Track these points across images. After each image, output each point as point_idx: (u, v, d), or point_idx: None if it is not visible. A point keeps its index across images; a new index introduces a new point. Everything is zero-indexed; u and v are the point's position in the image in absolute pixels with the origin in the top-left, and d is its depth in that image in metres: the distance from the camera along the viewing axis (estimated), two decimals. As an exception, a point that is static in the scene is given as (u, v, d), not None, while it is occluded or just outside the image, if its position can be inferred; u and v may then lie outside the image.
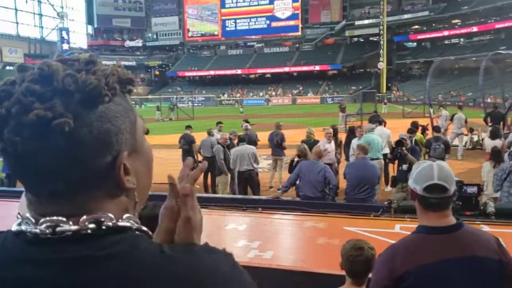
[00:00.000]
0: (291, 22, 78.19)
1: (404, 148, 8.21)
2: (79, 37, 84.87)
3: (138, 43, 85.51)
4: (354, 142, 9.65)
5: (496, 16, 61.17)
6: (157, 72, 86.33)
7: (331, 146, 10.15)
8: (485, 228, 4.78)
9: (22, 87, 0.72)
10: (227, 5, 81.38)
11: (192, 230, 0.88)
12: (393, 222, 4.97)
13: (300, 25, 77.90)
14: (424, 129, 13.33)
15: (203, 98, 66.55)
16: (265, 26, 79.74)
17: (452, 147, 12.59)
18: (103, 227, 0.75)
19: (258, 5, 79.65)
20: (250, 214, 5.27)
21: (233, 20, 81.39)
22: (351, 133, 11.84)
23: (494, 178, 7.01)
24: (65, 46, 73.98)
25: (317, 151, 7.67)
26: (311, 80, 71.66)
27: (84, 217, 0.75)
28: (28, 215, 0.77)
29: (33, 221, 0.75)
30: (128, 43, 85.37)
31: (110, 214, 0.77)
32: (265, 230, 4.70)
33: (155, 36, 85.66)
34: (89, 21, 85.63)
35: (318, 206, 5.59)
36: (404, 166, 8.35)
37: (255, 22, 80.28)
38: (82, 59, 0.78)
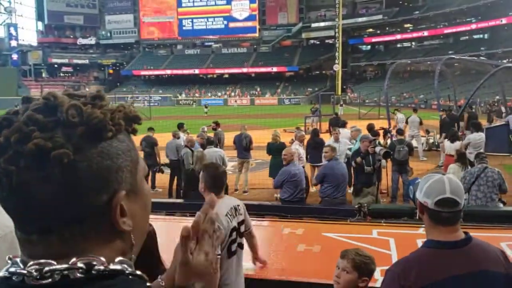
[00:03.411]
0: (249, 23, 78.40)
1: (375, 148, 8.27)
2: (29, 33, 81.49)
3: (91, 40, 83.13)
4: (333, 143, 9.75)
5: (445, 21, 63.95)
6: (111, 71, 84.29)
7: (301, 149, 10.19)
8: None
9: (24, 116, 0.70)
10: (183, 4, 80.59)
11: (191, 274, 0.83)
12: (370, 227, 4.99)
13: (258, 26, 78.30)
14: (387, 132, 13.64)
15: (160, 98, 65.52)
16: (223, 26, 79.58)
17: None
18: (94, 272, 0.71)
19: (215, 5, 79.39)
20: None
21: (190, 20, 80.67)
22: (315, 135, 11.92)
23: (462, 181, 7.20)
24: (13, 43, 71.01)
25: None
26: (268, 81, 72.17)
27: (74, 259, 0.70)
28: (17, 259, 0.73)
29: (21, 266, 0.71)
30: (81, 41, 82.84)
31: (102, 258, 0.72)
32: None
33: (109, 34, 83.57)
34: (39, 17, 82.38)
35: (294, 210, 5.54)
36: (369, 169, 8.41)
37: (212, 22, 79.96)
38: (89, 94, 0.76)
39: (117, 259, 0.74)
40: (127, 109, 0.78)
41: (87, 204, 0.71)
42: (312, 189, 9.95)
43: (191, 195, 6.99)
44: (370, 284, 2.73)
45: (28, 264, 0.71)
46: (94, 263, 0.71)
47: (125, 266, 0.75)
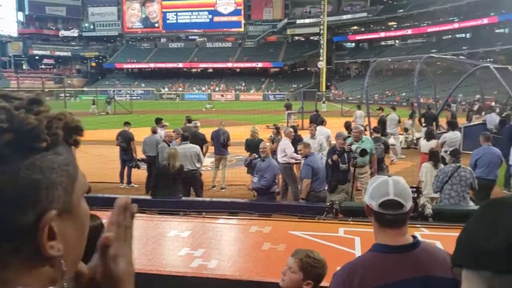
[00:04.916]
0: (234, 18, 78.03)
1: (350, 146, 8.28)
2: (9, 24, 79.98)
3: (74, 33, 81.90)
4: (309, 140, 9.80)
5: (428, 20, 64.54)
6: (93, 64, 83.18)
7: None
8: (425, 231, 4.91)
9: None
10: (168, -3, 79.85)
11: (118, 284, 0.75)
12: (337, 225, 4.97)
13: (243, 21, 77.98)
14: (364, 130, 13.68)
15: (142, 92, 64.90)
16: (207, 20, 79.07)
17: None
18: None
19: (200, -2, 78.85)
20: (193, 219, 5.08)
21: (174, 13, 79.95)
22: (294, 131, 11.90)
23: (435, 179, 7.25)
24: (-8, 33, 69.40)
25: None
26: (253, 77, 72.03)
27: None
28: None
29: None
30: (63, 33, 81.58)
31: None
32: (209, 237, 4.52)
33: (92, 26, 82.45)
34: (20, 7, 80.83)
35: (263, 207, 5.49)
36: (344, 166, 8.43)
37: (197, 16, 79.36)
38: (26, 97, 0.66)
39: None
40: (68, 117, 0.69)
41: (8, 226, 0.60)
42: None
43: (160, 191, 6.91)
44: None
45: None
46: None
47: None
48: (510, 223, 0.63)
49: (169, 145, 9.27)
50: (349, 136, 9.09)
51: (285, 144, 9.59)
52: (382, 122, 15.53)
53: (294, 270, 2.62)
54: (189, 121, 12.20)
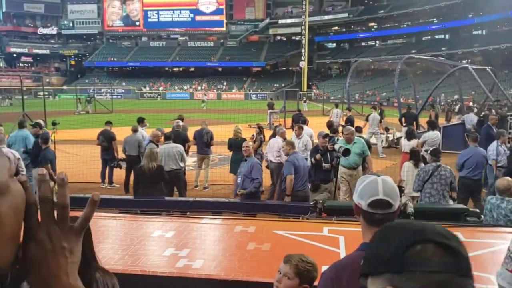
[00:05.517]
0: (216, 17, 77.80)
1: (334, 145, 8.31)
2: (-15, 21, 78.11)
3: (53, 30, 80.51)
4: (295, 139, 9.82)
5: (408, 21, 65.42)
6: (73, 62, 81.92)
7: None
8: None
9: None
10: (149, -5, 79.16)
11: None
12: (321, 224, 4.99)
13: (225, 21, 77.82)
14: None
15: (123, 91, 64.19)
16: (189, 19, 78.66)
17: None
18: None
19: (182, -3, 78.40)
20: (177, 219, 5.04)
21: (156, 12, 79.29)
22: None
23: (416, 178, 7.36)
24: (-32, 30, 67.71)
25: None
26: (235, 76, 71.96)
27: None
28: None
29: None
30: (42, 30, 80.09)
31: None
32: (193, 236, 4.50)
33: (71, 24, 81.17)
34: (-3, 4, 79.07)
35: (248, 207, 5.49)
36: (326, 166, 8.47)
37: (178, 14, 78.86)
38: None
39: None
40: None
41: None
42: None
43: (140, 192, 6.85)
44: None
45: None
46: None
47: None
48: (399, 238, 0.85)
49: (157, 145, 9.20)
50: (327, 134, 9.12)
51: (280, 143, 9.60)
52: (351, 122, 15.91)
53: (290, 277, 2.60)
54: (181, 119, 12.11)
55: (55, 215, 0.77)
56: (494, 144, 9.18)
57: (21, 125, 10.11)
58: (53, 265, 0.75)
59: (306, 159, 9.74)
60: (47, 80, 69.05)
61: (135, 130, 11.16)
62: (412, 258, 0.82)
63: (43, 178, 0.77)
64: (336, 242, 4.34)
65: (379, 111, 18.55)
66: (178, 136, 10.45)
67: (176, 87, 69.65)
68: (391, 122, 20.39)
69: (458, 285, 0.80)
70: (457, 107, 28.08)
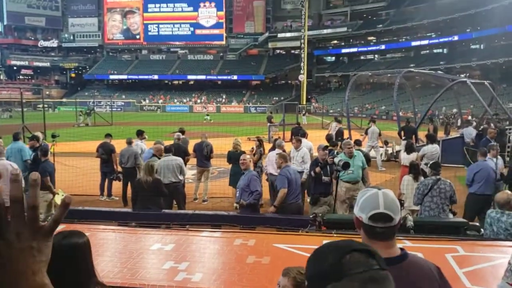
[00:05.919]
0: (216, 31, 78.37)
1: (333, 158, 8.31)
2: (-14, 34, 78.55)
3: (53, 43, 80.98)
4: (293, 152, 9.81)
5: (407, 35, 65.92)
6: (73, 75, 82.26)
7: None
8: (407, 243, 4.95)
9: None
10: (149, 10, 79.76)
11: None
12: (320, 238, 4.96)
13: (225, 34, 78.37)
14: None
15: (123, 103, 64.34)
16: (189, 33, 79.24)
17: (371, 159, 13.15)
18: None
19: (182, 11, 78.99)
20: (177, 232, 5.02)
21: (156, 25, 79.90)
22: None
23: (416, 191, 7.34)
24: (-31, 43, 68.06)
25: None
26: (234, 89, 72.23)
27: None
28: None
29: None
30: (42, 43, 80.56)
31: None
32: (193, 249, 4.47)
33: (72, 37, 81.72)
34: (-2, 17, 79.62)
35: (247, 220, 5.47)
36: (326, 179, 8.46)
37: (178, 28, 79.46)
38: None
39: None
40: None
41: None
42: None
43: (138, 205, 6.85)
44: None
45: None
46: None
47: None
48: (332, 254, 1.07)
49: (159, 159, 9.20)
50: (327, 146, 9.12)
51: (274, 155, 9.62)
52: (341, 134, 16.37)
53: None
54: (182, 132, 12.13)
55: (25, 215, 0.80)
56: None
57: (16, 138, 10.04)
58: (20, 263, 0.78)
59: (303, 172, 9.77)
60: (47, 92, 69.25)
61: (129, 143, 11.21)
62: (347, 265, 1.03)
63: (35, 183, 0.81)
64: (336, 255, 4.31)
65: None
66: (178, 149, 10.46)
67: (175, 100, 69.86)
68: (390, 135, 20.42)
69: (381, 276, 1.04)
70: (458, 121, 28.12)
